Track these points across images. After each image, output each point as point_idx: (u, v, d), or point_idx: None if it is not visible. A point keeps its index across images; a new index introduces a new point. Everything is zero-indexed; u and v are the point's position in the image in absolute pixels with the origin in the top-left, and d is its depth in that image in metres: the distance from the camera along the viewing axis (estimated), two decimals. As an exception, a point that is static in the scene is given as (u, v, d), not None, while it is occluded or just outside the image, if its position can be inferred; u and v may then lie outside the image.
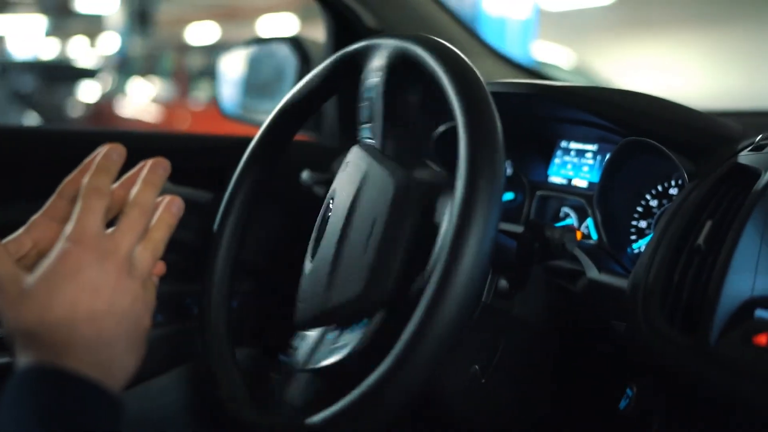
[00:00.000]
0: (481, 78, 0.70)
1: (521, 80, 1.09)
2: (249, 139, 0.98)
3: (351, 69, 0.86)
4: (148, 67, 8.68)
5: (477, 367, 0.85)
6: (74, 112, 8.78)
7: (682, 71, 8.30)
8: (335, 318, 0.78)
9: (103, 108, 8.29)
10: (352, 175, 0.83)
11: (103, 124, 7.52)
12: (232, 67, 1.63)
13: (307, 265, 0.85)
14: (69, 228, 0.65)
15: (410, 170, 0.77)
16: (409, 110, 0.81)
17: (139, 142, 1.33)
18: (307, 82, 0.91)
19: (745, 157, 0.84)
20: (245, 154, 0.97)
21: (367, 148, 0.83)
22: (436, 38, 0.75)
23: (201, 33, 17.15)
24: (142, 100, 7.79)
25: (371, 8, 1.33)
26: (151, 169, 0.72)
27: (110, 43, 14.60)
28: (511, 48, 5.84)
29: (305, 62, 1.46)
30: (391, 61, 0.79)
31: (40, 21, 18.63)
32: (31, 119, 8.81)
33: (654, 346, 0.71)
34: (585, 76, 7.47)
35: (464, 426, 0.89)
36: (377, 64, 0.81)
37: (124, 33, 13.01)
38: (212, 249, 0.93)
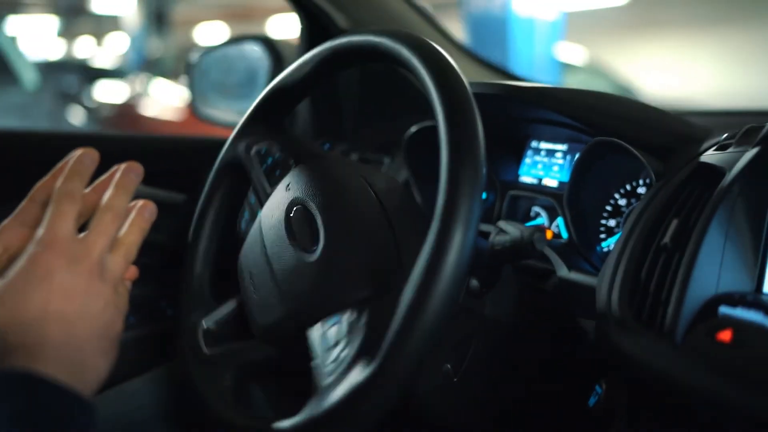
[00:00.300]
0: (465, 80, 0.71)
1: (493, 81, 1.10)
2: (222, 141, 0.98)
3: (332, 67, 0.86)
4: (176, 68, 8.55)
5: (449, 366, 0.86)
6: (105, 113, 8.70)
7: (696, 71, 8.39)
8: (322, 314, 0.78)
9: (129, 108, 8.20)
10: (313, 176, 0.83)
11: (130, 125, 7.46)
12: (204, 68, 1.63)
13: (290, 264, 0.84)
14: (40, 232, 0.65)
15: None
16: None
17: (111, 145, 1.32)
18: (281, 82, 0.91)
19: (709, 156, 0.85)
20: (219, 156, 0.97)
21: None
22: (420, 37, 0.76)
23: (210, 33, 16.98)
24: (167, 101, 7.72)
25: (343, 9, 1.33)
26: (124, 174, 0.73)
27: (123, 43, 14.43)
28: (541, 49, 5.85)
29: (278, 63, 1.46)
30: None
31: (52, 22, 18.38)
32: (79, 119, 8.72)
33: (622, 343, 0.73)
34: (601, 76, 7.49)
35: (437, 424, 0.89)
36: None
37: (140, 34, 12.87)
38: (189, 250, 0.93)
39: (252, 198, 1.02)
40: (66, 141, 1.27)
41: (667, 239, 0.77)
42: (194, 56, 1.63)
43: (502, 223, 0.82)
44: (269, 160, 0.94)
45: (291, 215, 0.83)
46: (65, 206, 0.67)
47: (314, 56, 0.87)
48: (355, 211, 0.79)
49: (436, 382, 0.86)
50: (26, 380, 0.59)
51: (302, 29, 1.41)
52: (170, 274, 0.84)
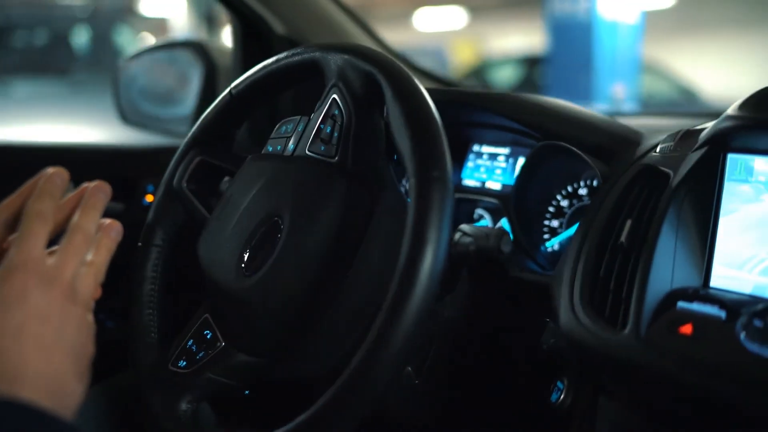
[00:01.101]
0: (432, 104, 0.73)
1: (434, 87, 1.13)
2: (157, 148, 0.97)
3: (309, 74, 0.86)
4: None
5: (410, 368, 0.88)
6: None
7: (750, 70, 8.59)
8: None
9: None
10: (318, 195, 0.81)
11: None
12: (132, 73, 1.60)
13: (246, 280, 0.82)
14: (11, 252, 0.64)
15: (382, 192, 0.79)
16: (378, 131, 0.82)
17: (45, 155, 1.28)
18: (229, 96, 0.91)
19: (652, 158, 0.90)
20: (193, 130, 0.95)
21: (332, 169, 0.81)
22: (386, 56, 0.78)
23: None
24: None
25: (280, 15, 1.33)
26: (93, 193, 0.71)
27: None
28: (623, 52, 5.87)
29: (211, 69, 1.44)
30: (361, 84, 0.81)
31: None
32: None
33: (585, 340, 0.76)
34: (663, 77, 7.52)
35: (398, 426, 0.91)
36: (337, 79, 0.82)
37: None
38: (139, 259, 0.92)
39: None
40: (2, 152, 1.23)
41: (623, 239, 0.81)
42: (121, 62, 1.60)
43: (464, 227, 0.84)
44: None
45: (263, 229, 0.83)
46: (37, 226, 0.65)
47: (276, 69, 0.88)
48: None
49: (397, 385, 0.87)
50: (10, 408, 0.57)
51: (236, 35, 1.40)
52: (110, 284, 0.82)
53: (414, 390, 0.88)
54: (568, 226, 1.06)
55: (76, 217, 0.69)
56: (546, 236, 1.08)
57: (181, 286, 0.97)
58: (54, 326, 0.63)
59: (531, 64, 9.46)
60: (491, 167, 1.15)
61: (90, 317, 0.69)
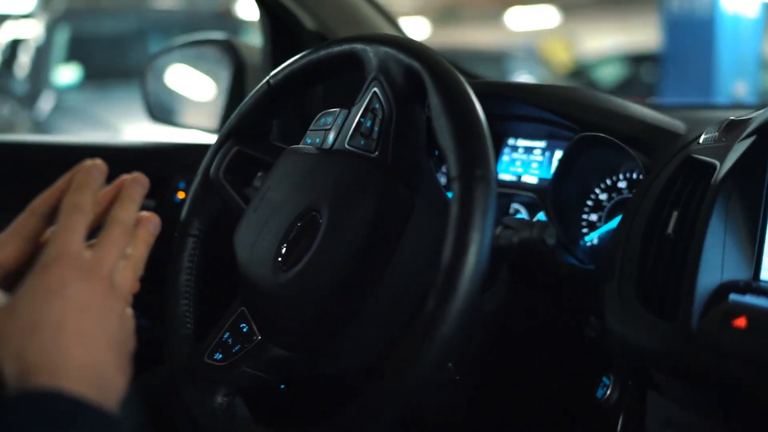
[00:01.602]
0: (476, 102, 0.72)
1: (470, 80, 1.11)
2: (188, 146, 0.96)
3: (350, 66, 0.85)
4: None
5: (450, 364, 0.86)
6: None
7: None
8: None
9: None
10: (357, 191, 0.79)
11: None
12: (161, 70, 1.59)
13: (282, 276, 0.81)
14: (51, 245, 0.63)
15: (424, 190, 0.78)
16: (419, 126, 0.80)
17: (76, 152, 1.28)
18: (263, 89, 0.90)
19: (696, 149, 0.88)
20: (231, 119, 0.94)
21: (371, 165, 0.80)
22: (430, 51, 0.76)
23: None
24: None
25: (310, 10, 1.32)
26: (130, 186, 0.71)
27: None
28: (745, 48, 5.79)
29: (239, 66, 1.44)
30: (402, 78, 0.79)
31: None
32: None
33: (633, 334, 0.74)
34: None
35: (439, 422, 0.90)
36: (378, 71, 0.81)
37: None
38: (175, 249, 0.91)
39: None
40: (30, 149, 1.23)
41: (670, 230, 0.79)
42: (149, 58, 1.60)
43: (506, 219, 0.82)
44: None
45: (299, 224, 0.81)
46: (75, 219, 0.64)
47: (313, 60, 0.86)
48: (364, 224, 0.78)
49: (439, 380, 0.86)
50: (55, 399, 0.57)
51: (266, 31, 1.39)
52: (143, 282, 0.82)
53: (455, 385, 0.86)
54: (608, 219, 1.04)
55: (114, 210, 0.69)
56: (585, 230, 1.06)
57: (217, 277, 0.96)
58: (94, 318, 0.62)
59: (637, 62, 9.36)
60: (527, 161, 1.13)
61: (129, 310, 0.68)
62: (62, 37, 5.86)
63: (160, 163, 1.34)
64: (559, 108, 1.01)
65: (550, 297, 0.94)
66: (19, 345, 0.59)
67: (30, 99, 5.61)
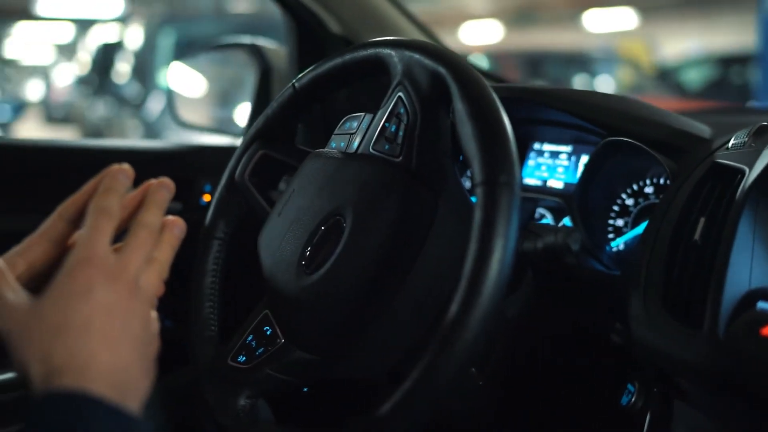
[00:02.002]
0: (501, 107, 0.71)
1: (495, 84, 1.10)
2: (214, 148, 0.97)
3: (374, 71, 0.85)
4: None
5: (473, 369, 0.86)
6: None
7: None
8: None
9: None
10: (381, 196, 0.79)
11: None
12: (186, 74, 1.61)
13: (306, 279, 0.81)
14: (77, 247, 0.63)
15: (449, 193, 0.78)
16: (444, 131, 0.80)
17: (105, 155, 1.29)
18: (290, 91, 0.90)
19: (724, 155, 0.87)
20: (257, 123, 0.94)
21: (396, 170, 0.79)
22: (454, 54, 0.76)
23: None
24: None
25: (335, 14, 1.32)
26: (156, 190, 0.71)
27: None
28: None
29: (266, 70, 1.44)
30: (427, 82, 0.79)
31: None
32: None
33: (661, 341, 0.73)
34: None
35: (462, 428, 0.89)
36: (403, 76, 0.81)
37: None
38: (200, 251, 0.91)
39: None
40: (59, 152, 1.24)
41: (696, 237, 0.78)
42: (176, 63, 1.61)
43: (531, 225, 0.82)
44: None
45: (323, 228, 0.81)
46: (102, 222, 0.65)
47: (343, 63, 0.86)
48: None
49: (461, 386, 0.85)
50: (79, 400, 0.57)
51: (291, 35, 1.39)
52: (168, 284, 0.82)
53: (478, 391, 0.86)
54: (634, 225, 1.03)
55: (140, 214, 0.69)
56: (610, 236, 1.05)
57: (242, 279, 0.96)
58: (120, 321, 0.62)
59: (725, 64, 9.23)
60: (553, 165, 1.13)
61: (154, 313, 0.68)
62: (168, 40, 6.03)
63: (187, 166, 1.35)
64: (586, 113, 1.00)
65: (574, 302, 0.93)
66: (45, 346, 0.60)
67: (137, 101, 5.72)
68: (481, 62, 8.85)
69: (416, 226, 0.76)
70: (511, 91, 1.05)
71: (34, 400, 0.58)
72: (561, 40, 13.10)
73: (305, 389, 0.86)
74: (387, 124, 0.81)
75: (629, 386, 0.82)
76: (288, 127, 0.94)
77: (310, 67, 0.89)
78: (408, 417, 0.64)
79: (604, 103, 1.01)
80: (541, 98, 1.02)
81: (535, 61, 8.61)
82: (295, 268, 0.81)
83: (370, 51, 0.83)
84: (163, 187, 0.72)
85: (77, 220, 0.69)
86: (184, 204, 1.26)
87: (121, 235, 0.70)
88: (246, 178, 0.93)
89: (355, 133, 0.85)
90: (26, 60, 17.58)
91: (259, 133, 0.94)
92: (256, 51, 1.46)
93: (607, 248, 1.04)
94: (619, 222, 1.05)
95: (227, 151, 0.96)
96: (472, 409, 0.88)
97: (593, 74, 8.64)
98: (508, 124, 0.70)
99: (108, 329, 0.61)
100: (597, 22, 14.69)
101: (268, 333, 0.83)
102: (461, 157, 0.79)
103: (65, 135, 10.44)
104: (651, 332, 0.75)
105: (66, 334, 0.60)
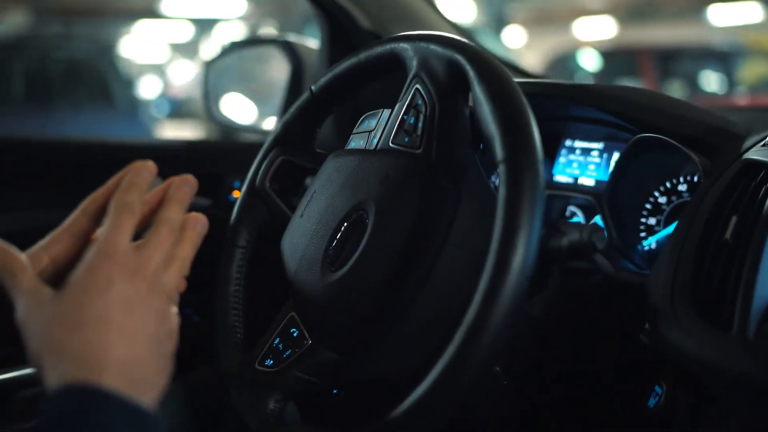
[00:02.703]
0: (518, 88, 0.70)
1: (526, 80, 1.09)
2: (244, 145, 0.97)
3: (390, 66, 0.85)
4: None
5: (498, 368, 0.85)
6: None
7: None
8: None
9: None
10: (402, 188, 0.78)
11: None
12: (221, 70, 1.61)
13: (330, 276, 0.81)
14: (98, 243, 0.64)
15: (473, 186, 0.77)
16: (463, 119, 0.80)
17: (132, 151, 1.31)
18: (330, 79, 0.90)
19: (759, 152, 0.85)
20: (276, 130, 0.94)
21: (416, 161, 0.79)
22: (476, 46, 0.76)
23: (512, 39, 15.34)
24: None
25: (366, 10, 1.31)
26: (179, 187, 0.71)
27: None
28: None
29: (298, 66, 1.44)
30: (444, 72, 0.79)
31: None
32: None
33: (688, 343, 0.71)
34: None
35: (487, 427, 0.88)
36: (419, 68, 0.80)
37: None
38: (223, 259, 0.91)
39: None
40: (88, 148, 1.26)
41: (727, 236, 0.76)
42: (209, 58, 1.61)
43: (555, 222, 0.80)
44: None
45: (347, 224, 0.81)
46: (124, 218, 0.65)
47: (363, 60, 0.86)
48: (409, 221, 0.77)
49: (486, 386, 0.84)
50: (94, 395, 0.57)
51: (323, 31, 1.39)
52: (196, 280, 0.83)
53: (502, 391, 0.85)
54: (667, 224, 1.01)
55: (162, 210, 0.69)
56: (643, 234, 1.03)
57: (266, 285, 0.96)
58: (138, 317, 0.62)
59: None
60: (584, 162, 1.11)
61: (174, 310, 0.68)
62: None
63: (216, 162, 1.35)
64: (617, 109, 0.98)
65: (602, 302, 0.92)
66: (61, 339, 0.60)
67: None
68: (594, 59, 8.70)
69: (439, 216, 0.75)
70: (543, 87, 1.04)
71: (47, 392, 0.58)
72: (681, 34, 12.81)
73: (335, 391, 0.86)
74: (405, 117, 0.81)
75: (656, 388, 0.81)
76: (307, 131, 0.94)
77: (328, 70, 0.89)
78: (431, 412, 0.63)
79: (635, 99, 0.99)
80: (572, 94, 1.00)
81: (666, 57, 8.43)
82: (319, 266, 0.81)
83: (386, 47, 0.83)
84: (185, 184, 0.72)
85: (100, 215, 0.69)
86: (213, 200, 1.27)
87: (143, 232, 0.70)
88: (267, 185, 0.93)
89: (374, 130, 0.85)
90: (141, 58, 18.00)
91: (279, 140, 0.94)
92: (288, 47, 1.46)
93: (639, 247, 1.02)
94: (652, 220, 1.03)
95: (258, 148, 0.96)
96: (497, 409, 0.87)
97: (725, 68, 8.47)
98: (527, 103, 0.69)
99: (125, 325, 0.61)
100: (722, 16, 14.35)
101: (295, 335, 0.82)
102: (481, 146, 0.79)
103: (187, 130, 10.70)
104: (679, 333, 0.73)
105: (82, 328, 0.60)
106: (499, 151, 0.67)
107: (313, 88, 0.90)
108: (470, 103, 0.75)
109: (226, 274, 0.91)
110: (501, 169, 0.66)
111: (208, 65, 1.62)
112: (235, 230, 0.93)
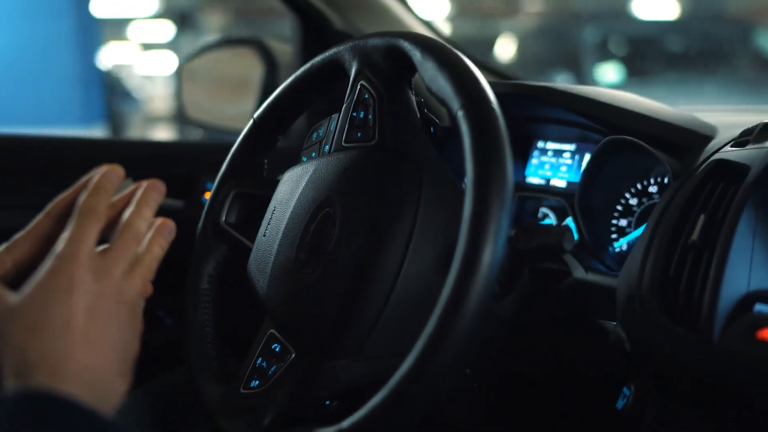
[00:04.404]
0: (487, 85, 0.70)
1: (498, 80, 1.09)
2: (216, 146, 0.96)
3: (332, 75, 0.86)
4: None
5: (468, 370, 0.84)
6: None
7: None
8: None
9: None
10: (364, 177, 0.79)
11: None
12: (194, 71, 1.60)
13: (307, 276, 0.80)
14: (61, 245, 0.63)
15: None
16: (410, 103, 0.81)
17: (106, 150, 1.29)
18: (292, 84, 0.89)
19: (728, 153, 0.85)
20: (224, 165, 0.94)
21: (373, 151, 0.80)
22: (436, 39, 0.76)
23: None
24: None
25: (339, 10, 1.31)
26: (147, 191, 0.70)
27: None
28: None
29: (272, 67, 1.43)
30: (386, 62, 0.79)
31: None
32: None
33: (653, 344, 0.71)
34: None
35: (456, 429, 0.88)
36: (360, 66, 0.81)
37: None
38: (189, 305, 0.90)
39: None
40: (60, 146, 1.24)
41: (695, 236, 0.76)
42: (182, 59, 1.60)
43: (525, 224, 0.80)
44: None
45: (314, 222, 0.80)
46: (89, 221, 0.65)
47: (313, 67, 0.86)
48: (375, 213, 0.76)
49: (455, 387, 0.84)
50: (50, 400, 0.56)
51: (297, 32, 1.39)
52: (168, 282, 0.81)
53: (472, 393, 0.84)
54: (638, 225, 1.01)
55: (127, 215, 0.68)
56: (614, 236, 1.03)
57: (236, 315, 0.95)
58: (100, 322, 0.62)
59: None
60: (556, 164, 1.11)
61: (138, 315, 0.67)
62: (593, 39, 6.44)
63: (189, 163, 1.34)
64: (587, 110, 0.98)
65: (572, 304, 0.92)
66: (22, 343, 0.59)
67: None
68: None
69: (405, 198, 0.75)
70: (512, 87, 1.03)
71: (4, 396, 0.57)
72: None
73: (327, 402, 0.84)
74: (355, 114, 0.81)
75: (625, 389, 0.81)
76: (256, 161, 0.94)
77: (268, 99, 0.89)
78: (397, 414, 0.62)
79: (605, 100, 0.99)
80: (541, 95, 1.00)
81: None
82: (292, 274, 0.80)
83: (324, 57, 0.85)
84: (152, 189, 0.71)
85: (66, 218, 0.69)
86: (186, 201, 1.26)
87: (109, 236, 0.69)
88: (222, 220, 0.92)
89: (324, 138, 0.85)
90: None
91: (228, 174, 0.93)
92: (261, 48, 1.45)
93: (610, 249, 1.02)
94: (623, 222, 1.03)
95: (230, 148, 0.95)
96: (466, 411, 0.86)
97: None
98: (478, 70, 0.71)
99: (86, 329, 0.61)
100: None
101: (278, 350, 0.81)
102: (432, 129, 0.81)
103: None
104: (646, 334, 0.73)
105: (43, 332, 0.59)
106: (454, 101, 0.68)
107: (255, 116, 0.91)
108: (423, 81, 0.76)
109: (195, 316, 0.89)
110: (460, 113, 0.67)
111: (181, 66, 1.62)
112: (195, 273, 0.91)
